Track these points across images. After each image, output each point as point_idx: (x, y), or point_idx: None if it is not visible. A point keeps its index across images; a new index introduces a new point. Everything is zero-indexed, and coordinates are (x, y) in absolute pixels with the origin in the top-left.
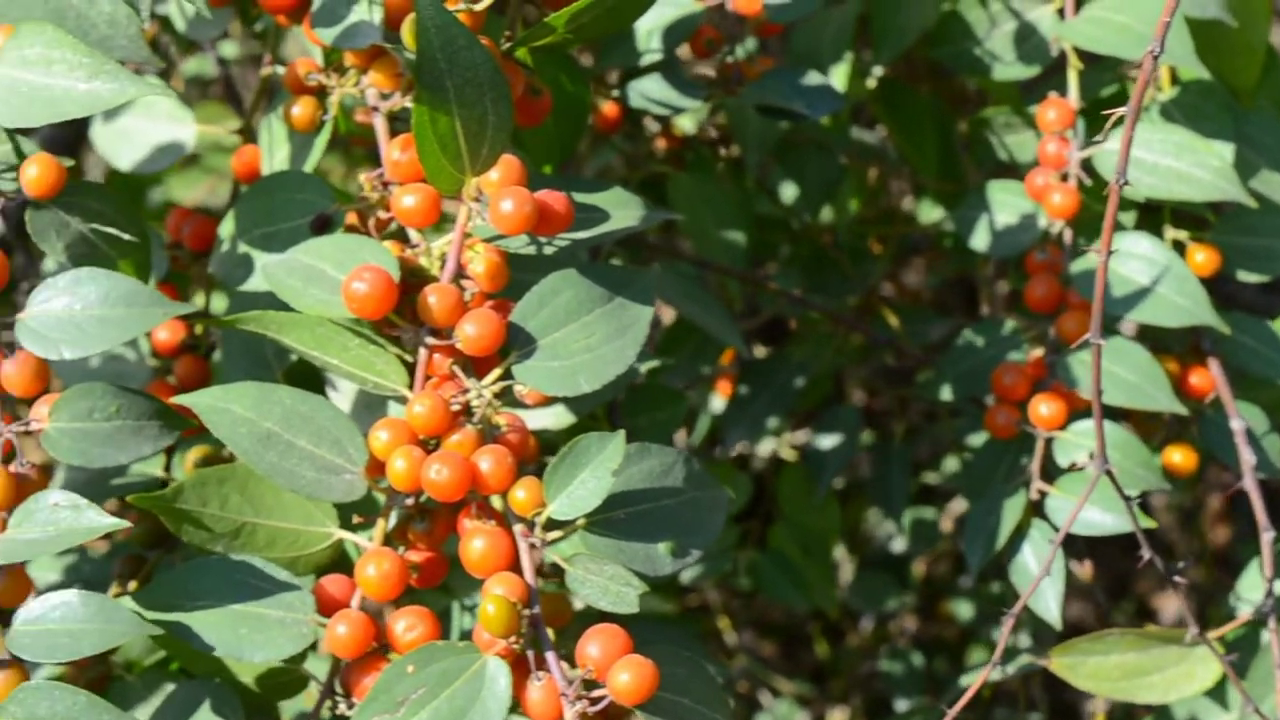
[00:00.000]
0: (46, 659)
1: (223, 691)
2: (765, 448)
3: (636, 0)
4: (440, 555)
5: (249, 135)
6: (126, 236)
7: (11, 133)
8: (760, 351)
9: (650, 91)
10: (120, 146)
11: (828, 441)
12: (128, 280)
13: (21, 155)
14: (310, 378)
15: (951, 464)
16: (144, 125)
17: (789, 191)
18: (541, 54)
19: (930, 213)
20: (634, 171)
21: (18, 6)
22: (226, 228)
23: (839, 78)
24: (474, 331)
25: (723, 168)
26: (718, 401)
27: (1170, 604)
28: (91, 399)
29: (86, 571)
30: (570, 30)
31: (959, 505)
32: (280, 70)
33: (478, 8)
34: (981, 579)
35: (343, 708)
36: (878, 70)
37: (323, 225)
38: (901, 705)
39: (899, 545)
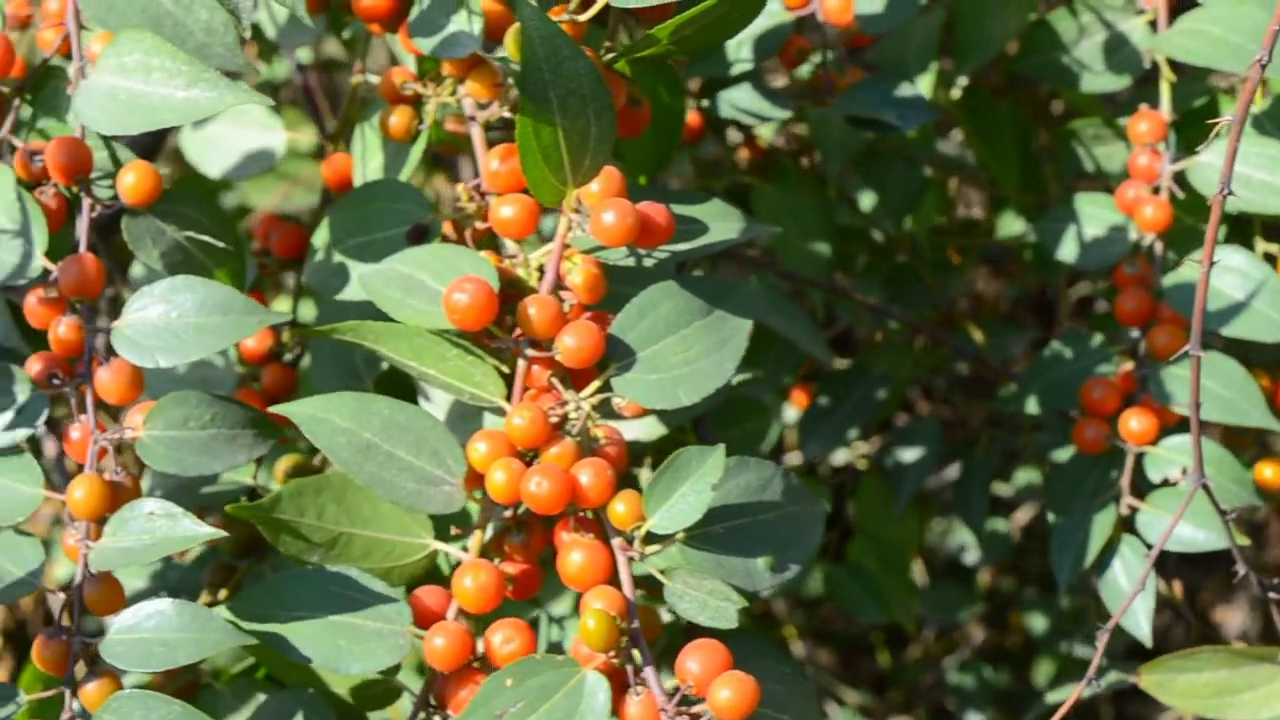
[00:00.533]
0: (142, 668)
1: (316, 702)
2: (836, 457)
3: (741, 13)
4: (535, 567)
5: (336, 142)
6: (221, 244)
7: (108, 139)
8: (839, 362)
9: (740, 101)
10: (209, 153)
11: (908, 454)
12: (223, 288)
13: (118, 162)
14: (402, 386)
15: (1022, 475)
16: (234, 132)
17: (866, 200)
18: (640, 64)
19: (1012, 224)
20: (716, 181)
21: (116, 14)
22: (321, 236)
23: (924, 88)
24: (574, 344)
25: (803, 177)
26: (790, 411)
27: (1234, 618)
28: (186, 407)
29: (173, 579)
30: (673, 42)
31: (1023, 514)
32: (371, 78)
33: (582, 19)
34: (1051, 590)
35: None
36: (962, 80)
37: (419, 235)
38: (972, 719)
39: (971, 556)
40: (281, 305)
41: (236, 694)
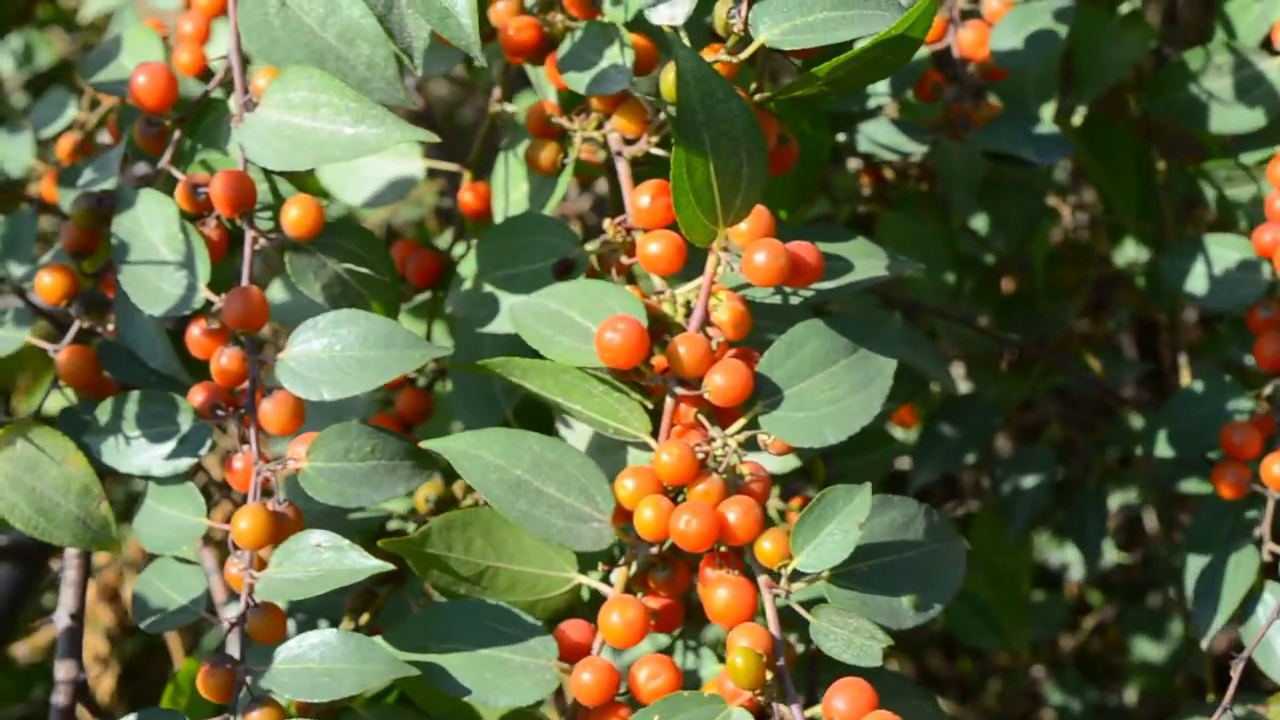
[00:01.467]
0: (307, 698)
1: None
2: None
3: (894, 56)
4: (677, 603)
5: (473, 170)
6: (378, 276)
7: (269, 173)
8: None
9: (878, 136)
10: (349, 181)
11: (1021, 482)
12: (385, 321)
13: (277, 195)
14: (541, 415)
15: (1119, 496)
16: (373, 160)
17: (978, 223)
18: (786, 100)
19: (1129, 252)
20: (840, 209)
21: (280, 49)
22: (468, 267)
23: (1045, 117)
24: (724, 382)
25: (924, 205)
26: (895, 433)
27: None
28: (348, 439)
29: (309, 604)
30: (828, 83)
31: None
32: (509, 108)
33: (737, 60)
34: (1140, 604)
35: None
36: (1081, 109)
37: (566, 269)
38: None
39: (1076, 573)
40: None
41: (379, 719)
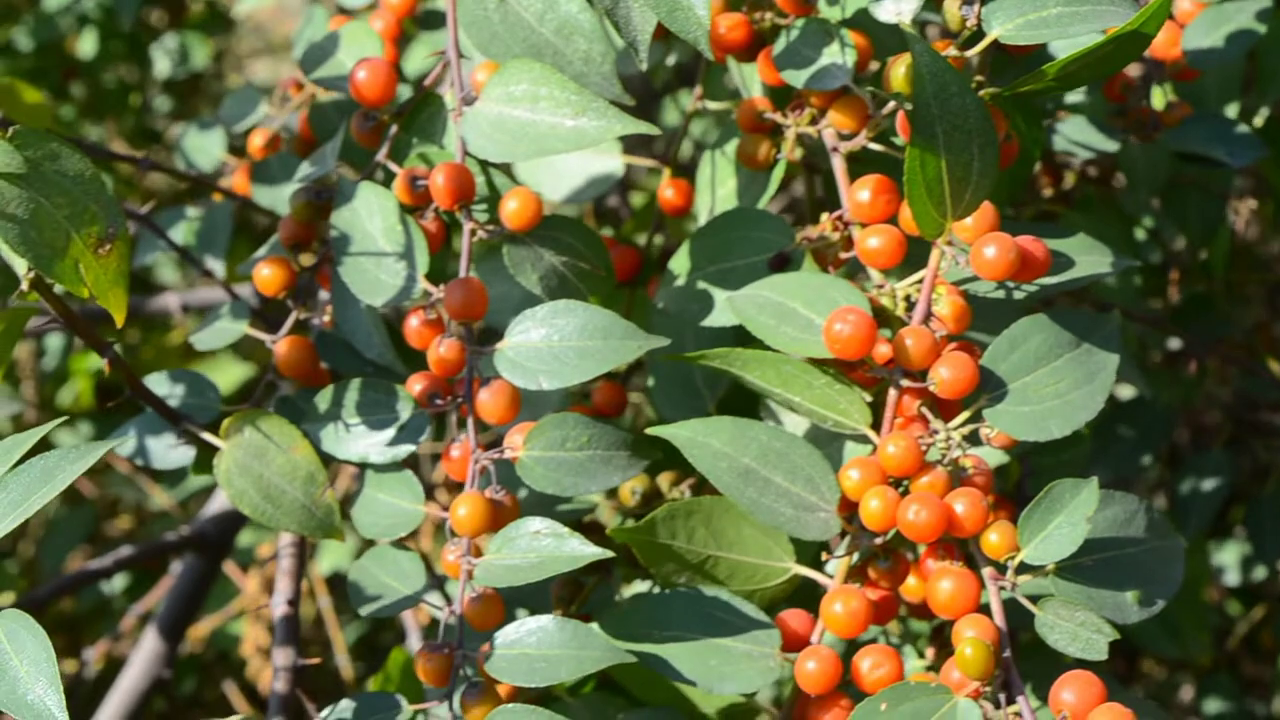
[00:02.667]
0: (525, 682)
1: None
2: None
3: (1123, 52)
4: (894, 595)
5: (671, 166)
6: (594, 269)
7: (485, 167)
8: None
9: (1073, 134)
10: (546, 176)
11: (1198, 485)
12: (603, 313)
13: (494, 189)
14: (746, 409)
15: None
16: (572, 156)
17: (1147, 223)
18: (1003, 96)
19: None
20: (1023, 210)
21: (499, 43)
22: (679, 262)
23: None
24: (950, 375)
25: (1105, 205)
26: None
27: None
28: (565, 428)
29: (509, 593)
30: (1057, 78)
31: None
32: (710, 104)
33: (970, 54)
34: None
35: None
36: (1264, 111)
37: (782, 263)
38: None
39: (1232, 578)
40: None
41: (589, 707)
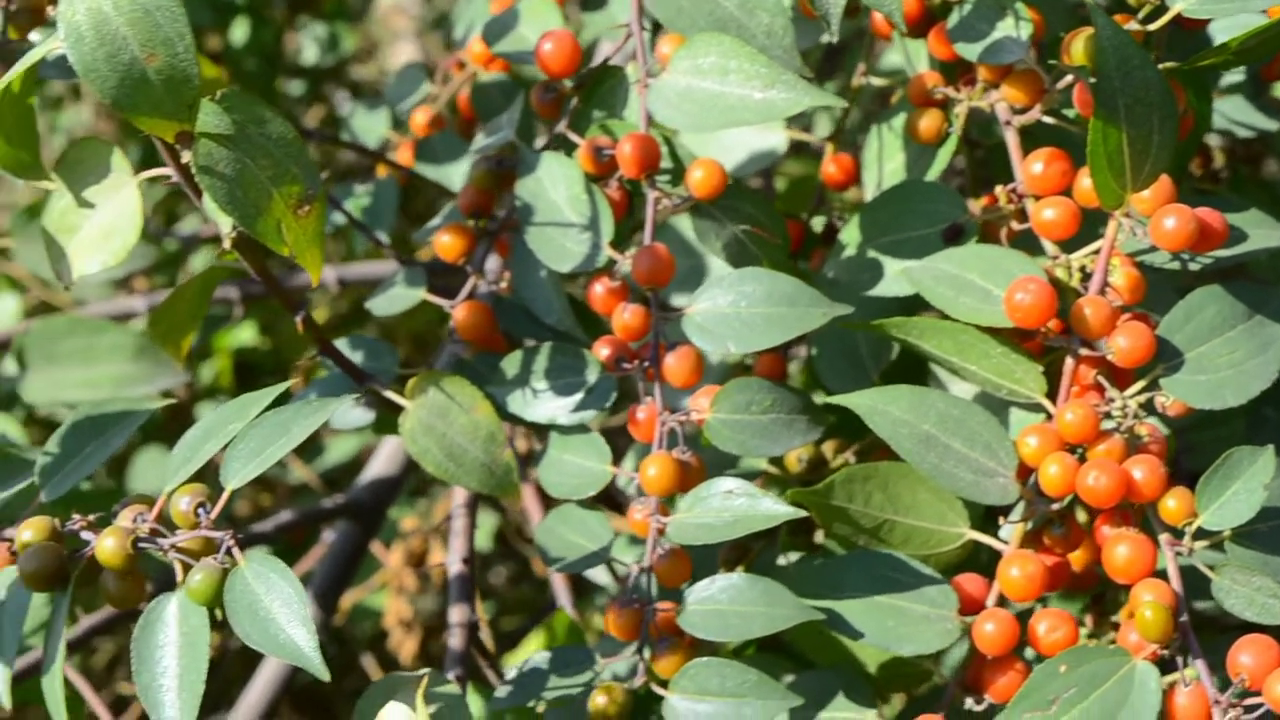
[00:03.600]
0: (718, 637)
1: (855, 680)
2: None
3: None
4: (1066, 561)
5: (834, 141)
6: (772, 239)
7: (667, 138)
8: None
9: (1232, 112)
10: (711, 151)
11: None
12: (790, 280)
13: (676, 159)
14: (910, 380)
15: None
16: (737, 130)
17: None
18: (1175, 70)
19: None
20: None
21: (684, 17)
22: (850, 234)
23: None
24: (1127, 344)
25: (1254, 184)
26: None
27: None
28: (749, 392)
29: None
30: (1236, 53)
31: None
32: (873, 80)
33: (1152, 28)
34: None
35: (969, 703)
36: None
37: (956, 234)
38: None
39: None
40: None
41: (756, 667)
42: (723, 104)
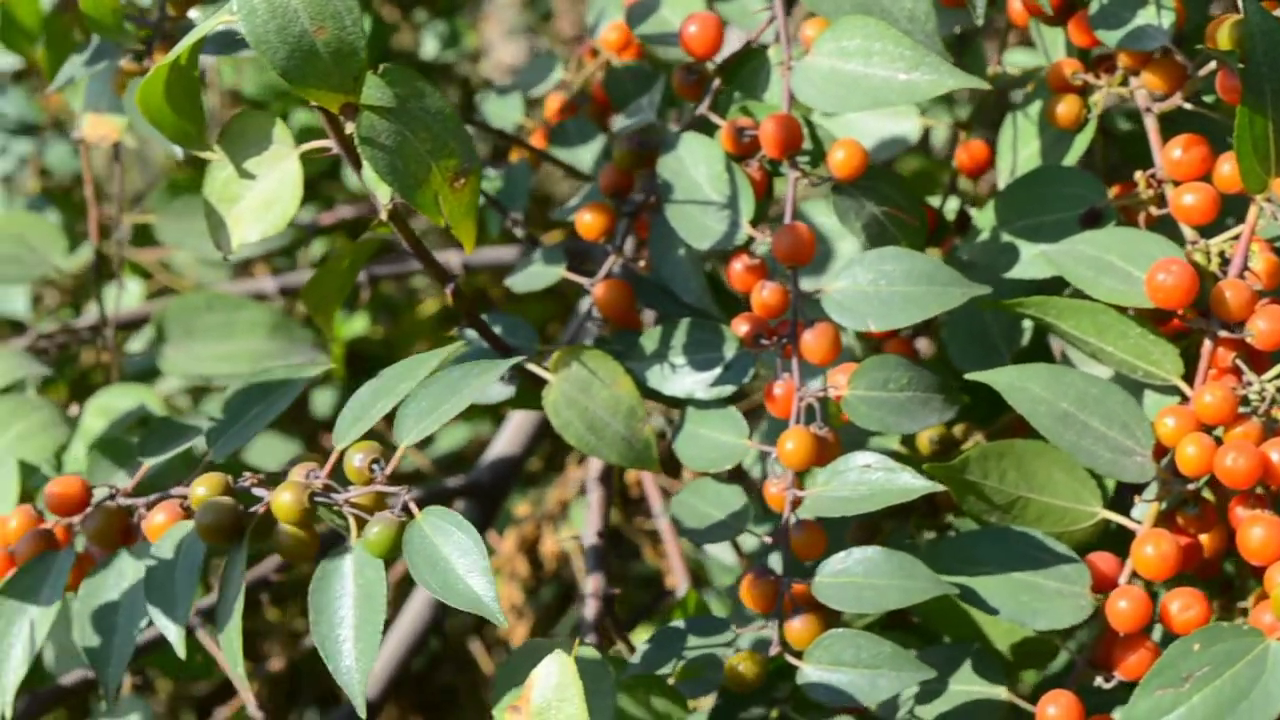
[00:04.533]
0: (853, 609)
1: (984, 655)
2: None
3: None
4: (1198, 542)
5: (967, 129)
6: (909, 220)
7: (808, 119)
8: None
9: None
10: (843, 135)
11: None
12: (928, 259)
13: (816, 140)
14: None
15: None
16: (867, 116)
17: None
18: None
19: None
20: None
21: (829, 1)
22: (985, 218)
23: None
24: (1268, 327)
25: None
26: None
27: None
28: (887, 370)
29: None
30: None
31: None
32: (1007, 69)
33: None
34: None
35: (1098, 680)
36: None
37: (1094, 218)
38: None
39: None
40: None
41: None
42: (867, 85)
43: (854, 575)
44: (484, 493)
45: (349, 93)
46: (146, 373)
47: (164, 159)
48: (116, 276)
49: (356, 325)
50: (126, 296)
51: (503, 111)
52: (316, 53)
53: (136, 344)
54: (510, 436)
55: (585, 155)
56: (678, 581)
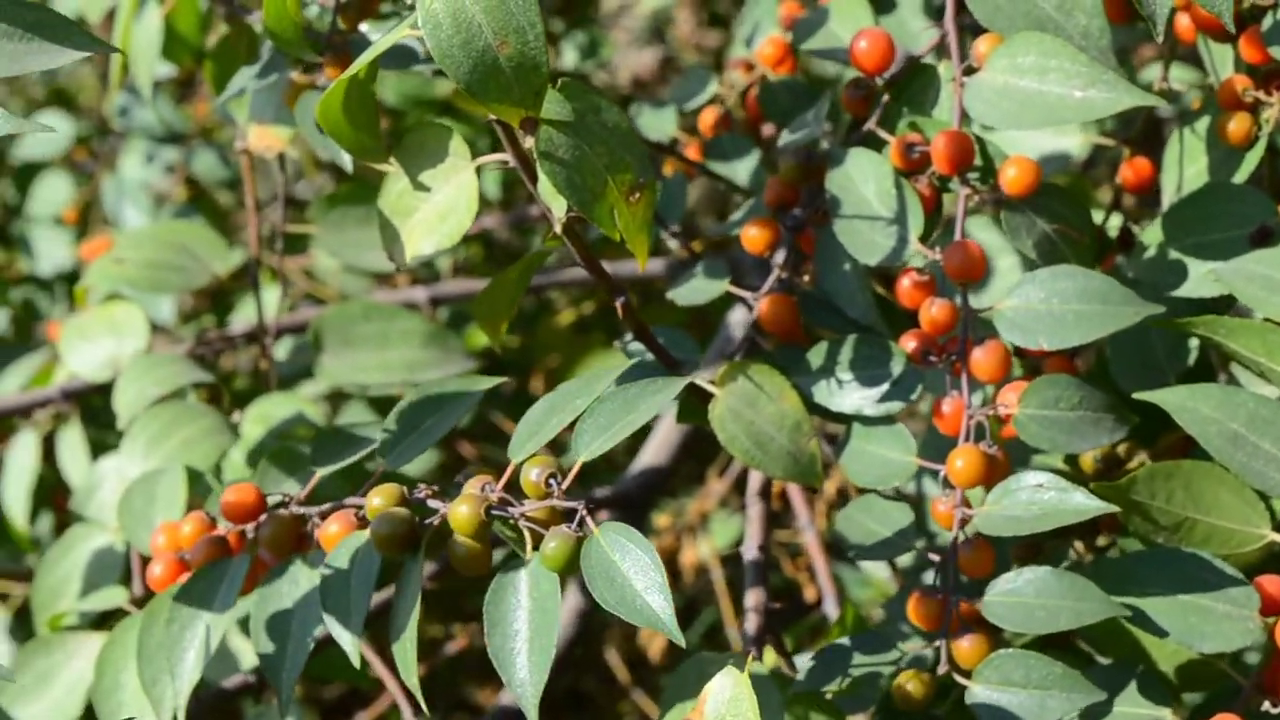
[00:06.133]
0: (1023, 629)
1: (1148, 677)
2: None
3: None
4: None
5: (1132, 146)
6: (1081, 238)
7: (979, 137)
8: None
9: None
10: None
11: None
12: (1102, 278)
13: (985, 156)
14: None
15: None
16: (1030, 134)
17: None
18: None
19: None
20: None
21: (1002, 16)
22: (1152, 235)
23: None
24: None
25: None
26: None
27: None
28: (1058, 389)
29: None
30: None
31: None
32: (1176, 86)
33: None
34: None
35: (1265, 705)
36: None
37: (1264, 237)
38: None
39: None
40: None
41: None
42: (1041, 102)
43: (1024, 595)
44: (631, 504)
45: (529, 107)
46: (290, 379)
47: (290, 170)
48: (282, 283)
49: None
50: (265, 305)
51: (657, 124)
52: (499, 67)
53: (279, 352)
54: (657, 448)
55: (740, 169)
56: (822, 595)
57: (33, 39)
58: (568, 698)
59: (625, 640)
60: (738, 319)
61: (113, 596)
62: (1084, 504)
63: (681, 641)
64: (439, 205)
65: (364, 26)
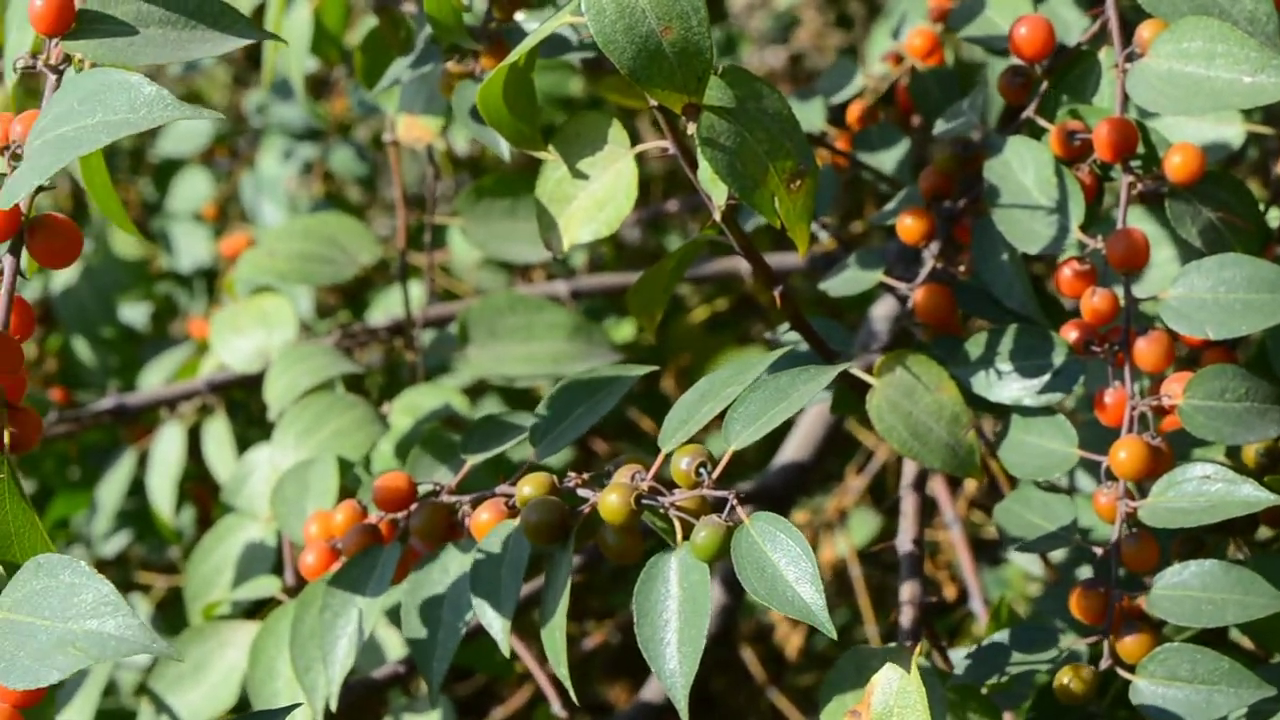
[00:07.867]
0: (1190, 623)
1: None
2: None
3: None
4: None
5: None
6: (1246, 227)
7: (1143, 125)
8: None
9: None
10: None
11: None
12: (1271, 267)
13: (1148, 144)
14: None
15: None
16: (1188, 122)
17: None
18: None
19: None
20: None
21: (1167, 3)
22: None
23: None
24: None
25: None
26: None
27: None
28: (1224, 379)
29: None
30: None
31: None
32: None
33: None
34: None
35: None
36: None
37: None
38: None
39: None
40: None
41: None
42: (1209, 88)
43: (1191, 589)
44: (774, 498)
45: (692, 92)
46: (431, 372)
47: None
48: (429, 277)
49: (625, 330)
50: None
51: (805, 116)
52: (662, 53)
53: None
54: (800, 443)
55: (889, 159)
56: (968, 592)
57: (196, 26)
58: (697, 698)
59: (757, 640)
60: (882, 312)
61: (265, 585)
62: (1254, 495)
63: (833, 633)
64: (597, 193)
65: (519, 15)
